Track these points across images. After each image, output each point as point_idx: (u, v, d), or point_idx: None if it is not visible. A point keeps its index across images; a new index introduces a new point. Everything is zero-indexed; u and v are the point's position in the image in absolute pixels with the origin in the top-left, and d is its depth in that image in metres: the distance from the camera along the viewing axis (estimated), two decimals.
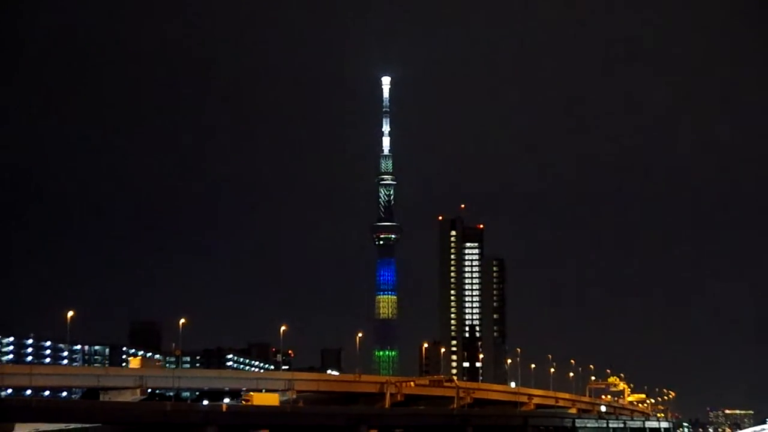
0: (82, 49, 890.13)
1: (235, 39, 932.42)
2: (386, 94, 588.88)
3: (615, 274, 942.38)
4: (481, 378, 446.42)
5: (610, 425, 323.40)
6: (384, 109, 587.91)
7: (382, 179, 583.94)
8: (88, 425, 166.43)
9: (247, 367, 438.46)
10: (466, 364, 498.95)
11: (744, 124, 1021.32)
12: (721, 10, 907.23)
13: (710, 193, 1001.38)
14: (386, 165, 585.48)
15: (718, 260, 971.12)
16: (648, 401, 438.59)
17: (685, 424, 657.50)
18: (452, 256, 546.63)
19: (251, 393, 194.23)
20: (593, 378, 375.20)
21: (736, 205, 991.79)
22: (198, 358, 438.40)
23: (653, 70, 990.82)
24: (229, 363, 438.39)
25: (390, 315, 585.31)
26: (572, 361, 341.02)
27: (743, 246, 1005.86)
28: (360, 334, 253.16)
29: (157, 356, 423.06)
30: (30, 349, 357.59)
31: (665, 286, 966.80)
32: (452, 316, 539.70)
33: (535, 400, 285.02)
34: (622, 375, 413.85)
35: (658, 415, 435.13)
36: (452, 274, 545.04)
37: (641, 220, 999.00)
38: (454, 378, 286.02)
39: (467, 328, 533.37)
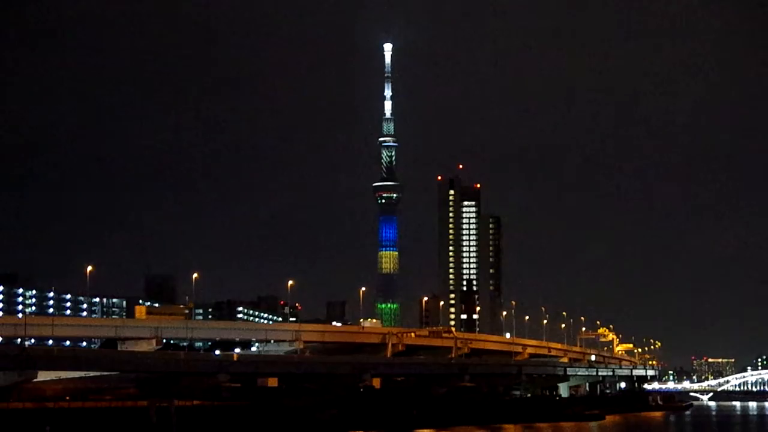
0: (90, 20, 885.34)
1: (241, 5, 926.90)
2: (388, 60, 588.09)
3: (605, 230, 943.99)
4: (477, 329, 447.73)
5: (600, 373, 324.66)
6: (386, 75, 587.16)
7: (384, 141, 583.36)
8: (106, 373, 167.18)
9: (257, 319, 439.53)
10: (463, 317, 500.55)
11: None
12: None
13: (695, 150, 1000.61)
14: (388, 128, 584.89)
15: (702, 213, 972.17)
16: (636, 351, 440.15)
17: (670, 372, 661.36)
18: (450, 214, 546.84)
19: None
20: (584, 329, 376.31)
21: (717, 151, 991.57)
22: (210, 310, 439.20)
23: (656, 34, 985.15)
24: (240, 315, 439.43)
25: (392, 270, 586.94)
26: (564, 313, 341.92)
27: (726, 198, 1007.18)
28: (363, 288, 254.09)
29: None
30: (51, 302, 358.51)
31: (653, 241, 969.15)
32: (451, 270, 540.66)
33: (529, 350, 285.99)
34: (611, 326, 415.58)
35: (650, 363, 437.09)
36: (450, 231, 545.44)
37: (633, 178, 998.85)
38: (453, 329, 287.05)
39: (465, 282, 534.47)
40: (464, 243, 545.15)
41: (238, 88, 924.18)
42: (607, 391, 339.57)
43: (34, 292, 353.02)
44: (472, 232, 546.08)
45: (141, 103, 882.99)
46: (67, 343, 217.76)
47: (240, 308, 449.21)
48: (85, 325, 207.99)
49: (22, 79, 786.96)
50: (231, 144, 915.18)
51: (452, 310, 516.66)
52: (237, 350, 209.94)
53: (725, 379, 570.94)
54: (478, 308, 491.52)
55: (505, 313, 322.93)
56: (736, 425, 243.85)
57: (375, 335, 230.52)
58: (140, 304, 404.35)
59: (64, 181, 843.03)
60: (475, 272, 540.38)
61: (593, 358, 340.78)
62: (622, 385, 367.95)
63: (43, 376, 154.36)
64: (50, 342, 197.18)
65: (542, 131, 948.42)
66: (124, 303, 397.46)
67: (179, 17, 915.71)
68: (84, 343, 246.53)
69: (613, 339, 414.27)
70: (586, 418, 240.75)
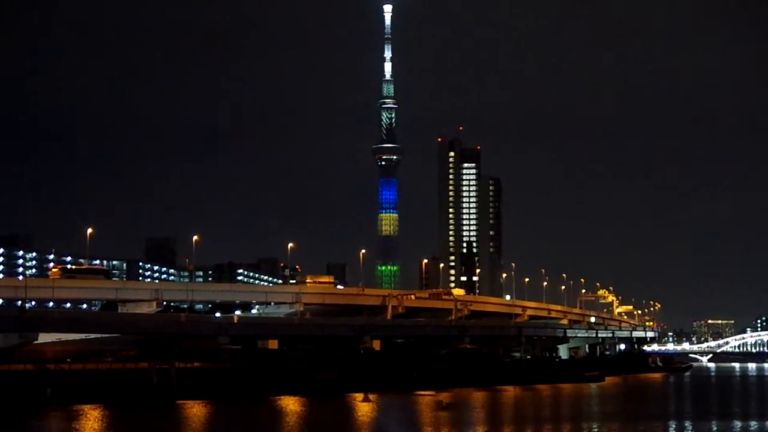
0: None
1: None
2: (388, 21, 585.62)
3: (605, 193, 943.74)
4: (477, 291, 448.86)
5: (600, 335, 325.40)
6: (386, 36, 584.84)
7: (384, 103, 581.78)
8: (107, 335, 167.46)
9: (257, 281, 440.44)
10: (463, 278, 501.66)
11: None
12: None
13: (707, 119, 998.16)
14: (388, 89, 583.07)
15: (702, 175, 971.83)
16: (635, 312, 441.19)
17: (670, 333, 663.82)
18: (451, 176, 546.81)
19: None
20: (584, 291, 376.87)
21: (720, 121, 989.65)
22: (210, 272, 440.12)
23: None
24: (240, 277, 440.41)
25: (392, 232, 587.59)
26: (564, 275, 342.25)
27: (725, 160, 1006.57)
28: (363, 250, 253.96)
29: (172, 270, 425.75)
30: (51, 264, 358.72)
31: (653, 203, 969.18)
32: (451, 232, 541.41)
33: (529, 312, 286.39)
34: (611, 288, 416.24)
35: (649, 324, 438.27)
36: (451, 193, 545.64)
37: (634, 142, 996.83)
38: (453, 291, 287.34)
39: (465, 244, 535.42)
40: (464, 205, 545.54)
41: (239, 51, 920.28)
42: (607, 352, 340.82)
43: (34, 254, 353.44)
44: (472, 194, 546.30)
45: (141, 68, 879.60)
46: (68, 305, 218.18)
47: (240, 270, 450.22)
48: (86, 287, 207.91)
49: (27, 34, 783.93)
50: (230, 107, 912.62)
51: (452, 272, 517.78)
52: (237, 312, 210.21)
53: (724, 340, 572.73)
54: (478, 270, 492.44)
55: (505, 275, 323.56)
56: (735, 386, 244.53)
57: (375, 297, 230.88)
58: (140, 266, 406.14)
59: (64, 143, 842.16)
60: (475, 234, 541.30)
61: (593, 319, 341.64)
62: (622, 346, 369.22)
63: (43, 338, 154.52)
64: (51, 304, 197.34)
65: (543, 93, 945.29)
66: (125, 265, 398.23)
67: None
68: (84, 306, 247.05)
69: (612, 301, 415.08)
70: (586, 379, 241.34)
